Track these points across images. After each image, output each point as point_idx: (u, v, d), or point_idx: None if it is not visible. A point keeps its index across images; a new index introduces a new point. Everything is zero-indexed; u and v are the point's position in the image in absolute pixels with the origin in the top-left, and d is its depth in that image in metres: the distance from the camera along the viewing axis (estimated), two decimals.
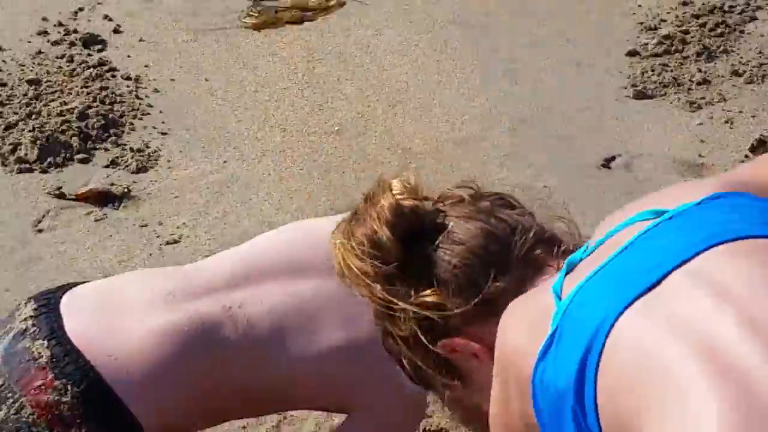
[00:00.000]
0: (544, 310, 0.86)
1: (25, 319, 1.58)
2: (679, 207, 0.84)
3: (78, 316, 1.56)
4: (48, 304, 1.59)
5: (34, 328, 1.55)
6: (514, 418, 0.91)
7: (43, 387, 1.48)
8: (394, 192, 0.98)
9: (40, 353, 1.52)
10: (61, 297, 1.59)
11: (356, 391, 1.58)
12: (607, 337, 0.77)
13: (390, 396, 1.55)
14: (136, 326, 1.54)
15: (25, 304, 1.60)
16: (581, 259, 0.90)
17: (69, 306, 1.58)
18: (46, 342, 1.54)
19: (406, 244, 0.97)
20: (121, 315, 1.57)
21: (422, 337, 0.96)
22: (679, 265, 0.79)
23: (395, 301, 0.96)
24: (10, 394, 1.50)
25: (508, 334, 0.90)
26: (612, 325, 0.76)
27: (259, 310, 1.55)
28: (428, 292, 0.96)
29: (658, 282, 0.78)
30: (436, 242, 0.98)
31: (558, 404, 0.81)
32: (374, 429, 1.62)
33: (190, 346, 1.51)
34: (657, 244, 0.84)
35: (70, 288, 1.63)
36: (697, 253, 0.78)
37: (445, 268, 0.97)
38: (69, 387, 1.47)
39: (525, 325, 0.90)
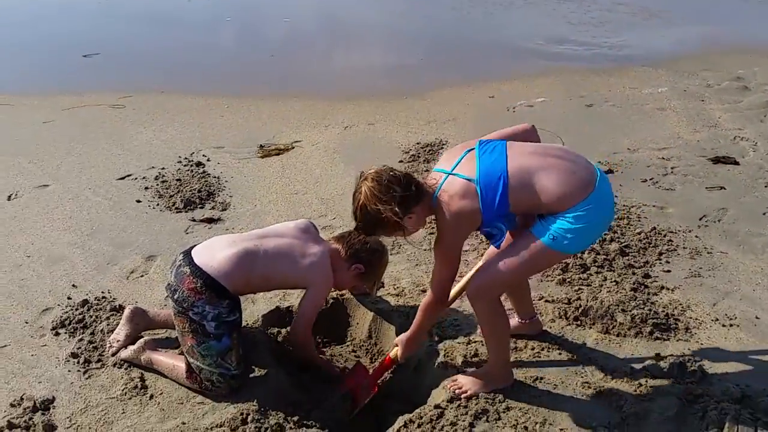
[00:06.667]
0: (466, 184, 2.08)
1: (179, 260, 2.44)
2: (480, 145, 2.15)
3: (198, 255, 2.41)
4: (187, 252, 2.46)
5: (183, 262, 2.42)
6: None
7: (189, 281, 2.33)
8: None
9: (186, 270, 2.38)
10: (192, 248, 2.46)
11: (304, 281, 2.51)
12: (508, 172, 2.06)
13: (319, 285, 2.50)
14: (220, 254, 2.40)
15: (180, 254, 2.48)
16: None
17: (195, 252, 2.44)
18: (188, 267, 2.38)
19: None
20: (214, 251, 2.42)
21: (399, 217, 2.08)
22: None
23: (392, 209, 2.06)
24: (177, 288, 2.36)
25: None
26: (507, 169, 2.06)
27: (269, 247, 2.45)
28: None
29: (506, 165, 2.07)
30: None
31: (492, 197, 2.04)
32: (313, 295, 2.48)
33: (242, 260, 2.39)
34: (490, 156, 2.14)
35: (195, 245, 2.48)
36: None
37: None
38: (198, 280, 2.34)
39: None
